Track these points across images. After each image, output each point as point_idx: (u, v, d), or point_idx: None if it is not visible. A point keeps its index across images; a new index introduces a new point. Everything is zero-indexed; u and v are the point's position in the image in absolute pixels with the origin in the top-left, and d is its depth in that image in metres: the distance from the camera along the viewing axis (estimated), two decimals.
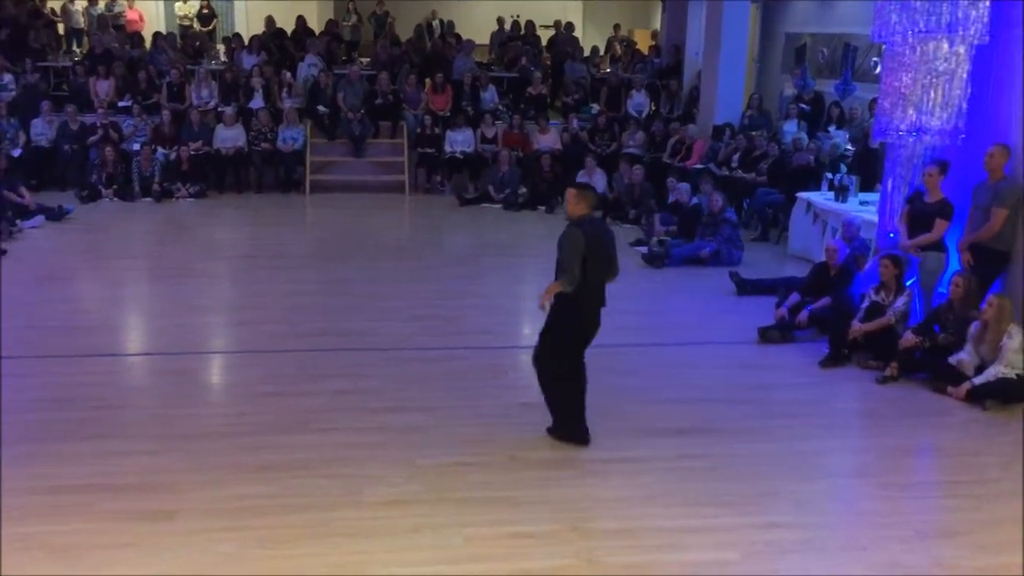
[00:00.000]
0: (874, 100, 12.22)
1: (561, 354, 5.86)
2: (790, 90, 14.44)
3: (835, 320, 7.71)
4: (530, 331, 8.65)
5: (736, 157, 12.90)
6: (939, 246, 7.73)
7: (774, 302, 8.56)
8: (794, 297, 8.29)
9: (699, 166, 13.22)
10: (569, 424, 5.95)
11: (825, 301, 8.04)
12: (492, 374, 7.20)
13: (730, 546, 4.82)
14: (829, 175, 11.05)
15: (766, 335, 8.01)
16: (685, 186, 11.70)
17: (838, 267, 8.25)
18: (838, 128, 13.06)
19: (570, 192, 5.85)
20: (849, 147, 12.45)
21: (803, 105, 13.86)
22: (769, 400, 6.79)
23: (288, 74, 15.21)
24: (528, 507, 5.16)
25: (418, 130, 14.67)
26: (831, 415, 6.67)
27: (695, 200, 11.37)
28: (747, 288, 9.36)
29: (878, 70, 13.20)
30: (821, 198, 10.67)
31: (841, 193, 10.38)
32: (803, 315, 8.01)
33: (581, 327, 5.85)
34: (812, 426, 6.38)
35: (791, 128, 13.31)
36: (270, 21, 16.88)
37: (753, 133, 13.25)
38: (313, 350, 7.56)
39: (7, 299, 8.79)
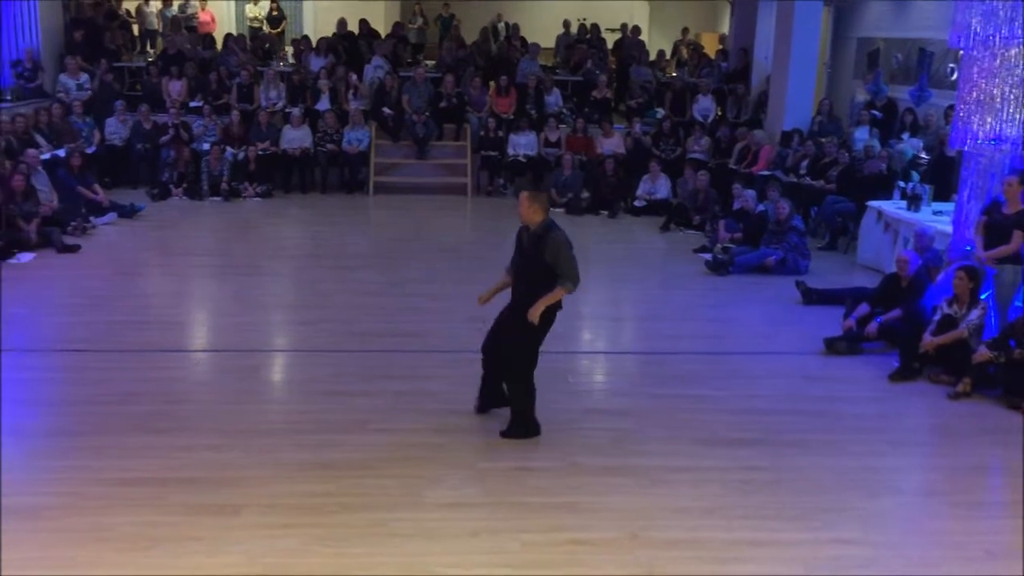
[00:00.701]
0: (950, 107, 11.92)
1: (532, 353, 5.91)
2: (862, 96, 14.15)
3: (906, 332, 7.51)
4: (590, 336, 8.64)
5: (804, 164, 12.67)
6: (1017, 259, 7.49)
7: (841, 313, 8.38)
8: (863, 308, 8.10)
9: (766, 172, 13.02)
10: (526, 422, 5.98)
11: (896, 313, 7.84)
12: (552, 378, 7.13)
13: (794, 561, 4.72)
14: (902, 184, 10.79)
15: (833, 346, 7.84)
16: (751, 193, 11.53)
17: (910, 278, 8.03)
18: (912, 135, 12.75)
19: (524, 197, 5.80)
20: (923, 155, 12.14)
21: (875, 111, 13.56)
22: (835, 413, 6.64)
23: (354, 76, 15.37)
24: (587, 514, 5.12)
25: (481, 133, 14.71)
26: (900, 431, 6.49)
27: (761, 207, 11.20)
28: (813, 297, 9.19)
29: (955, 76, 12.89)
30: (893, 207, 10.42)
31: (914, 202, 10.12)
32: (872, 327, 7.83)
33: (550, 326, 5.95)
34: (880, 441, 6.22)
35: (862, 135, 13.04)
36: (342, 23, 17.08)
37: (823, 139, 13.00)
38: (374, 350, 7.61)
39: (83, 293, 9.04)
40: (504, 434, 6.03)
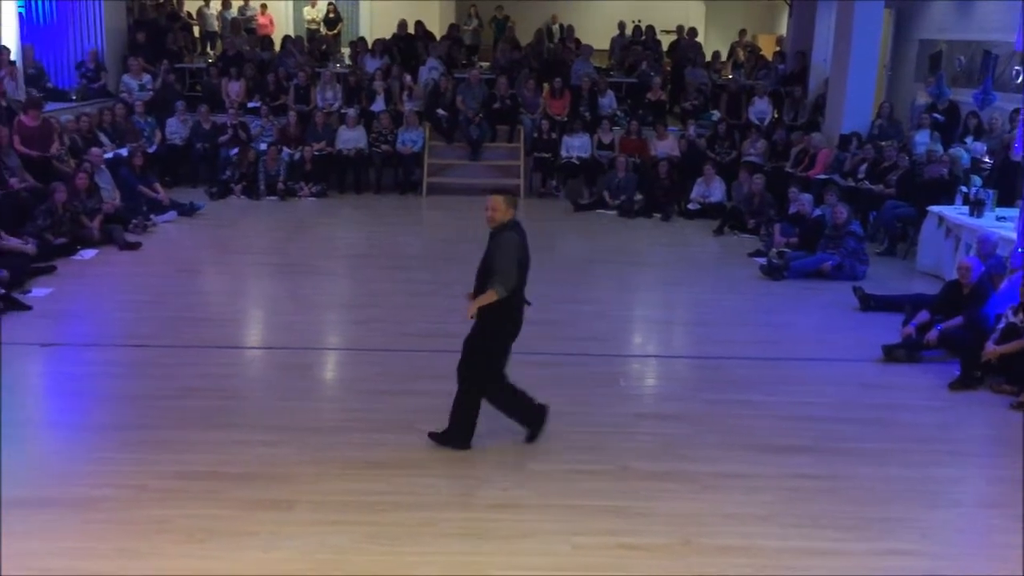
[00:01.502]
0: (1016, 111, 11.64)
1: (494, 359, 5.73)
2: (923, 99, 13.85)
3: (968, 341, 7.33)
4: (641, 340, 8.59)
5: (863, 168, 12.44)
6: None
7: (900, 320, 8.21)
8: (923, 315, 7.93)
9: (823, 176, 12.82)
10: (463, 432, 5.76)
11: (957, 321, 7.65)
12: (603, 382, 7.14)
13: (850, 571, 4.64)
14: (964, 188, 10.55)
15: (892, 354, 7.69)
16: (808, 197, 11.36)
17: (972, 285, 7.84)
18: (975, 139, 12.46)
19: (498, 199, 5.65)
20: (987, 159, 11.85)
21: (936, 115, 13.28)
22: (894, 422, 6.51)
23: (409, 77, 15.49)
24: (639, 519, 5.09)
25: (535, 135, 14.71)
26: (960, 441, 6.35)
27: (818, 211, 11.03)
28: (871, 304, 9.02)
29: (1020, 79, 12.58)
30: (955, 212, 10.18)
31: (977, 208, 9.87)
32: (932, 334, 7.65)
33: (513, 330, 5.76)
34: (940, 451, 6.08)
35: (923, 139, 12.76)
36: (402, 24, 17.23)
37: (882, 143, 12.75)
38: (424, 351, 7.64)
39: (143, 289, 9.23)
40: (433, 435, 5.82)
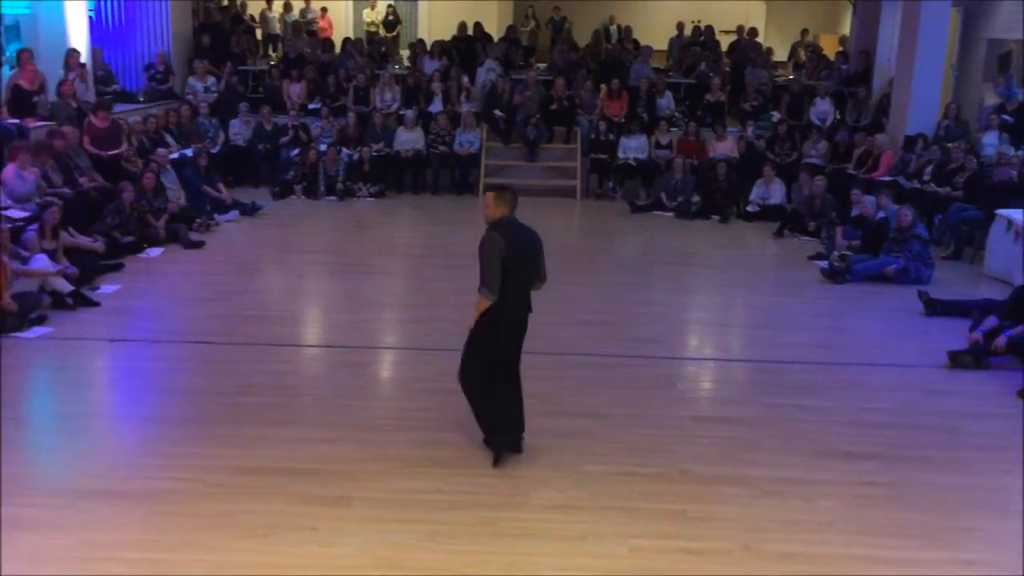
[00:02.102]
0: None
1: (489, 365, 5.55)
2: (992, 100, 13.53)
3: None
4: (699, 342, 8.52)
5: (929, 170, 12.18)
6: None
7: (966, 325, 8.04)
8: (991, 321, 7.73)
9: (887, 178, 12.57)
10: (499, 432, 5.65)
11: None
12: (661, 384, 7.09)
13: None
14: None
15: (958, 360, 7.51)
16: (870, 199, 11.15)
17: None
18: None
19: (489, 196, 5.56)
20: None
21: (1006, 116, 12.94)
22: (960, 429, 6.36)
23: (466, 79, 15.56)
24: (697, 523, 5.04)
25: (592, 136, 14.67)
26: None
27: (881, 214, 10.82)
28: (937, 309, 8.82)
29: None
30: None
31: None
32: (1001, 340, 7.46)
33: (504, 335, 5.56)
34: (1008, 460, 5.92)
35: (991, 140, 12.47)
36: (462, 26, 17.34)
37: (949, 145, 12.48)
38: None
39: (207, 287, 9.42)
40: (485, 442, 5.75)
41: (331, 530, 4.86)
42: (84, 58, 13.04)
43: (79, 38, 13.21)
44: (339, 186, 13.79)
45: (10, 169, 9.64)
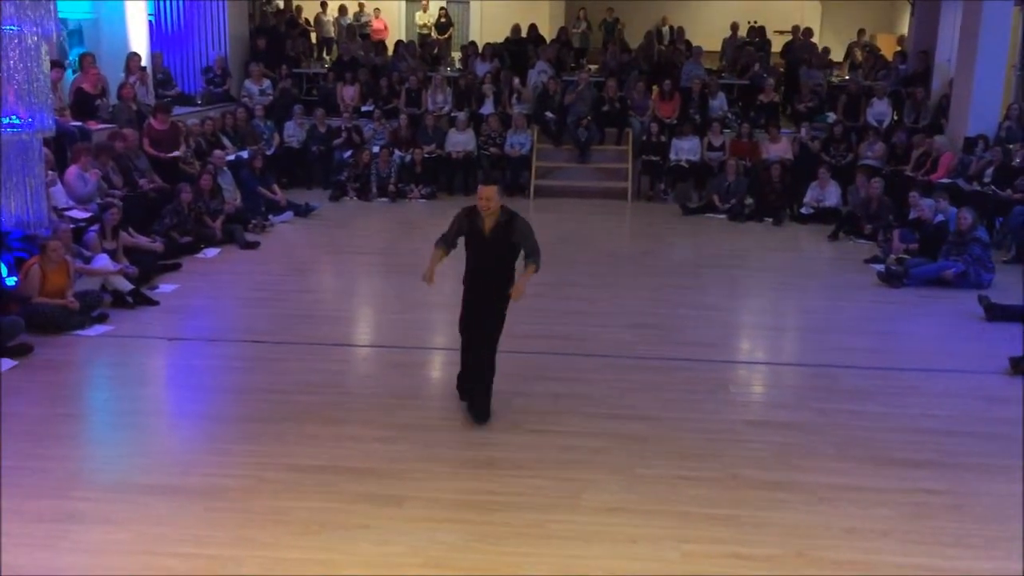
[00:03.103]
0: None
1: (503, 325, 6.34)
2: None
3: None
4: (751, 346, 8.42)
5: (990, 172, 11.91)
6: None
7: None
8: None
9: (946, 180, 12.32)
10: (488, 397, 6.33)
11: None
12: (713, 388, 7.02)
13: None
14: None
15: (1019, 366, 7.32)
16: (928, 202, 10.93)
17: None
18: None
19: (492, 189, 6.10)
20: None
21: None
22: (1019, 438, 6.19)
23: (517, 80, 15.58)
24: (750, 528, 4.99)
25: (644, 137, 14.60)
26: None
27: (940, 217, 10.60)
28: (998, 313, 8.62)
29: None
30: None
31: None
32: None
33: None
34: None
35: None
36: (515, 28, 17.39)
37: (1010, 146, 12.19)
38: (532, 352, 7.66)
39: (262, 287, 9.56)
40: (478, 415, 6.23)
41: (383, 528, 4.90)
42: (144, 62, 13.32)
43: (139, 42, 13.51)
44: (391, 187, 13.90)
45: (72, 171, 9.88)
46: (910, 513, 5.15)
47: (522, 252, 6.20)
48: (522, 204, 14.20)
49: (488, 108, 15.19)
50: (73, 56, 12.58)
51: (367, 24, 19.35)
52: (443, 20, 19.79)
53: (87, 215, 9.64)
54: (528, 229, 6.17)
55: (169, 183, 11.26)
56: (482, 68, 16.09)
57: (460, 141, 14.54)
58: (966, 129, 13.10)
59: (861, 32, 18.64)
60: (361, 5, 19.72)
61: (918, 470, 5.67)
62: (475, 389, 6.35)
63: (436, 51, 18.05)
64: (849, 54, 18.00)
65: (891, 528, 4.99)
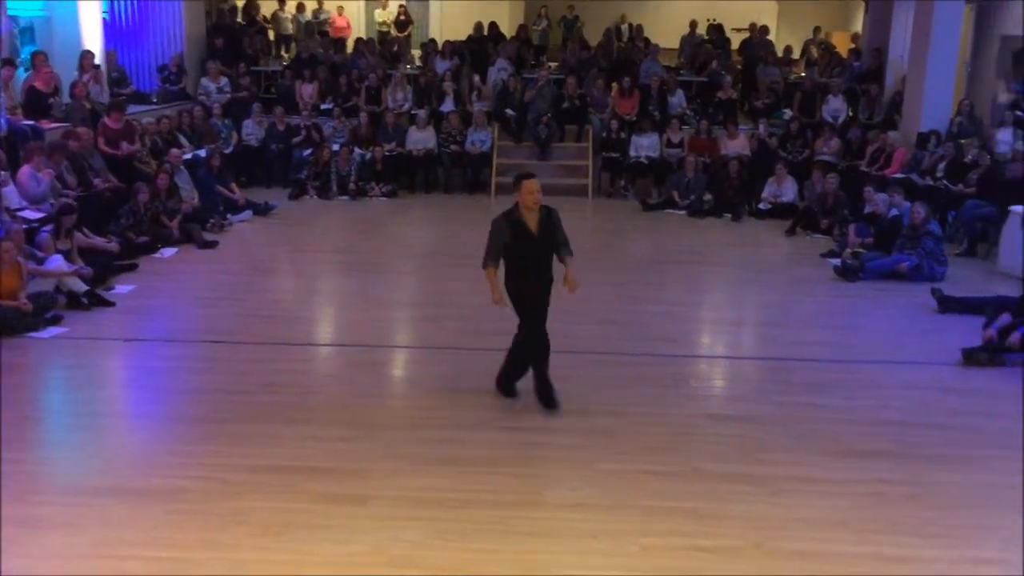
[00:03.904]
0: None
1: None
2: (1005, 96, 13.44)
3: None
4: (711, 341, 8.51)
5: (942, 166, 12.14)
6: None
7: (981, 322, 7.98)
8: (1005, 318, 7.70)
9: (899, 175, 12.53)
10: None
11: None
12: (674, 383, 7.09)
13: None
14: None
15: (972, 357, 7.48)
16: (883, 196, 11.12)
17: None
18: None
19: (537, 181, 6.15)
20: None
21: (1020, 112, 12.87)
22: (975, 427, 6.34)
23: (478, 78, 15.57)
24: (710, 521, 5.04)
25: (604, 134, 14.67)
26: None
27: (894, 211, 10.78)
28: (951, 306, 8.79)
29: None
30: None
31: None
32: (1015, 337, 7.44)
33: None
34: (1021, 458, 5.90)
35: (1005, 137, 12.41)
36: (477, 27, 17.37)
37: (962, 141, 12.43)
38: (496, 349, 7.63)
39: (221, 287, 9.47)
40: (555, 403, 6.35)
41: (345, 528, 4.89)
42: (98, 59, 13.12)
43: (93, 40, 13.30)
44: (351, 186, 13.83)
45: (25, 171, 9.71)
46: (866, 503, 5.25)
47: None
48: (483, 202, 14.23)
49: (448, 106, 15.17)
50: (25, 54, 12.34)
51: (326, 22, 19.21)
52: (403, 18, 19.70)
53: (40, 215, 9.48)
54: (559, 220, 6.23)
55: (125, 182, 11.10)
56: (442, 66, 16.06)
57: (420, 139, 14.50)
58: (919, 125, 13.34)
59: (816, 30, 18.89)
60: (320, 2, 19.57)
61: (875, 461, 5.77)
62: (545, 381, 6.41)
63: (396, 49, 17.97)
64: (805, 52, 18.22)
65: (847, 518, 5.08)
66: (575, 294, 6.29)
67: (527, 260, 6.18)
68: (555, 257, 6.32)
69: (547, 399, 6.39)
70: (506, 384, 6.58)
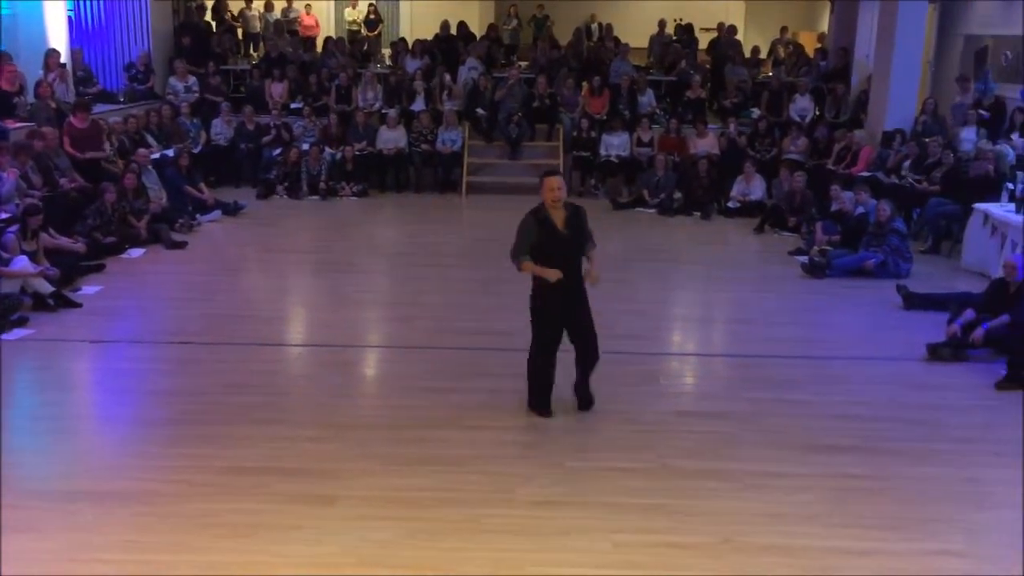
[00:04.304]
0: None
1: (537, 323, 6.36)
2: (957, 97, 13.65)
3: (1014, 339, 7.23)
4: (681, 338, 8.57)
5: (907, 164, 12.30)
6: None
7: (945, 318, 8.10)
8: (969, 314, 7.82)
9: (865, 174, 12.68)
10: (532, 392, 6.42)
11: (1003, 319, 7.53)
12: (643, 380, 7.14)
13: (895, 572, 4.60)
14: (1010, 185, 10.38)
15: (937, 352, 7.60)
16: (849, 194, 11.24)
17: (1018, 283, 7.72)
18: (1022, 136, 12.24)
19: (561, 178, 6.17)
20: None
21: (982, 111, 13.07)
22: (939, 422, 6.44)
23: (448, 77, 15.57)
24: (680, 517, 5.09)
25: (574, 133, 14.71)
26: (1007, 441, 6.23)
27: (860, 209, 10.91)
28: (916, 302, 8.92)
29: None
30: (1001, 210, 10.03)
31: (1023, 205, 9.72)
32: (978, 333, 7.55)
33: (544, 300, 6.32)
34: (986, 452, 6.00)
35: (969, 135, 12.58)
36: (444, 25, 17.35)
37: (926, 140, 12.60)
38: (466, 348, 7.70)
39: (190, 287, 9.40)
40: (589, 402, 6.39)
41: (315, 528, 4.88)
42: (64, 58, 12.97)
43: (58, 39, 13.15)
44: (322, 185, 13.78)
45: None
46: (833, 497, 5.31)
47: None
48: (454, 201, 14.23)
49: (419, 105, 15.14)
50: None
51: (295, 20, 19.10)
52: (372, 16, 19.65)
53: (5, 216, 9.35)
54: (586, 216, 6.20)
55: (91, 182, 10.99)
56: (412, 65, 16.03)
57: (391, 138, 14.46)
58: (884, 124, 13.51)
59: (784, 30, 19.05)
60: (289, 1, 19.45)
61: (842, 456, 5.85)
62: (585, 381, 6.39)
63: (366, 47, 17.92)
64: (772, 51, 18.38)
65: (815, 512, 5.14)
66: (598, 281, 6.24)
67: (554, 258, 6.03)
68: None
69: (582, 399, 6.45)
70: (533, 403, 6.39)
